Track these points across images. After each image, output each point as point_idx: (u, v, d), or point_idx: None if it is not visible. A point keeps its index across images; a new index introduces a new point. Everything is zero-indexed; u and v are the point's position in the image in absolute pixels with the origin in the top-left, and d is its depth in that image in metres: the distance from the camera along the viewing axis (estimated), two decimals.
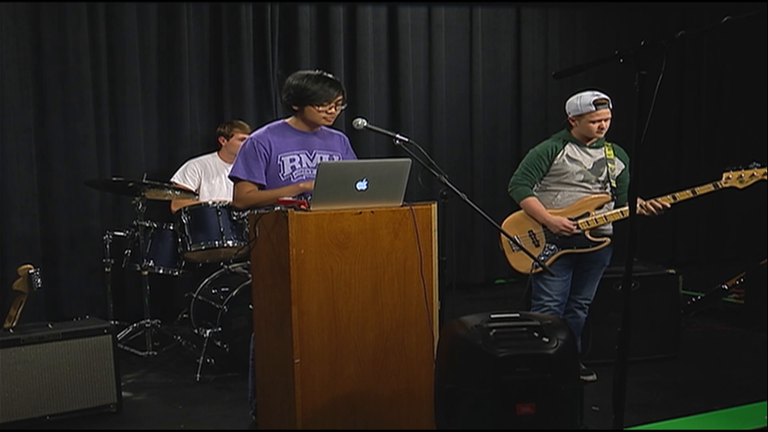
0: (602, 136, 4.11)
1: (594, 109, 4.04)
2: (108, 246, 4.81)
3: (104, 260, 4.84)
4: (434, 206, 3.26)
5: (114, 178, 5.05)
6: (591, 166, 4.11)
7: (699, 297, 5.71)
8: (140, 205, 4.70)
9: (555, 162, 4.11)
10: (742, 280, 5.56)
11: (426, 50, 6.54)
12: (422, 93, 6.55)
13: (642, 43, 2.33)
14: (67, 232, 5.35)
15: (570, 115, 4.14)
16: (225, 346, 4.41)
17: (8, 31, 5.07)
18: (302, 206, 3.09)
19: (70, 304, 5.31)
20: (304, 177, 3.49)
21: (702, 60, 7.61)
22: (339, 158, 3.60)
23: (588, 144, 4.14)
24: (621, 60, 2.39)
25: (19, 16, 5.10)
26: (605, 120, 4.06)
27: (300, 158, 3.52)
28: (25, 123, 5.15)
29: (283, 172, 3.50)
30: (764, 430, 3.54)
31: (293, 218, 2.96)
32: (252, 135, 3.60)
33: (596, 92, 4.09)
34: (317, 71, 3.60)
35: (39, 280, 3.84)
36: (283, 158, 3.50)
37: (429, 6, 6.49)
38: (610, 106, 4.09)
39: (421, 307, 3.20)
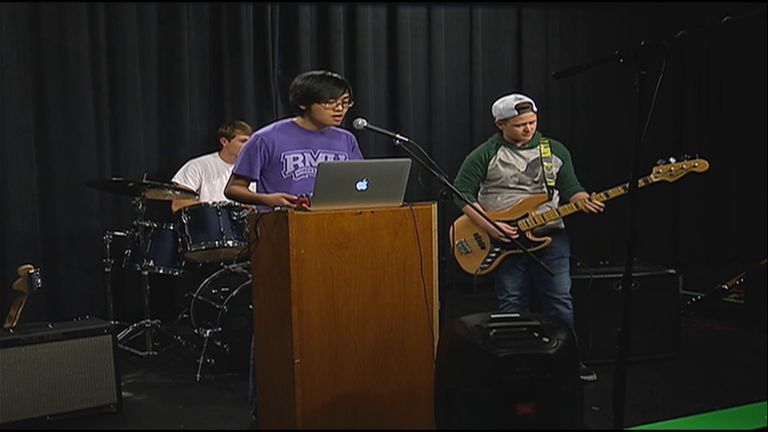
0: (529, 138, 4.19)
1: (517, 113, 4.13)
2: (108, 246, 4.82)
3: (104, 260, 4.84)
4: (434, 206, 3.26)
5: (114, 178, 5.05)
6: (525, 168, 4.19)
7: (699, 297, 5.70)
8: (140, 205, 4.70)
9: (489, 167, 4.23)
10: (742, 280, 5.56)
11: (426, 50, 6.54)
12: (422, 93, 6.55)
13: (642, 43, 2.33)
14: (67, 232, 5.35)
15: (495, 119, 4.24)
16: (225, 346, 4.41)
17: (8, 31, 5.07)
18: (304, 204, 3.10)
19: (70, 304, 5.30)
20: (306, 176, 3.49)
21: (702, 60, 7.61)
22: (345, 158, 3.60)
23: (520, 145, 4.20)
24: (621, 60, 2.39)
25: (19, 16, 5.10)
26: (530, 123, 4.15)
27: (303, 157, 3.53)
28: (25, 123, 5.15)
29: (285, 170, 3.51)
30: (764, 430, 3.53)
31: (293, 218, 2.97)
32: (258, 131, 3.62)
33: (519, 96, 4.19)
34: (322, 71, 3.62)
35: (39, 280, 3.84)
36: (286, 156, 3.51)
37: (429, 6, 6.49)
38: (534, 109, 4.17)
39: (421, 307, 3.20)
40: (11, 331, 3.67)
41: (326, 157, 3.56)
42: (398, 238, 3.16)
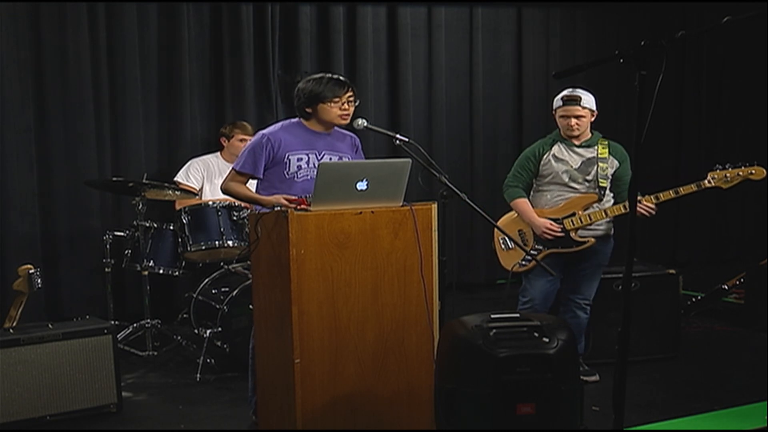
0: (577, 134, 4.14)
1: (561, 104, 4.12)
2: (108, 246, 4.82)
3: (104, 260, 4.84)
4: (434, 206, 3.26)
5: (114, 178, 5.06)
6: (578, 165, 4.13)
7: (699, 297, 5.71)
8: (140, 205, 4.70)
9: (542, 162, 4.17)
10: (742, 280, 5.56)
11: (426, 50, 6.54)
12: (422, 93, 6.55)
13: (642, 43, 2.33)
14: (67, 232, 5.35)
15: (553, 112, 4.22)
16: (225, 346, 4.41)
17: (8, 31, 5.07)
18: (302, 205, 3.10)
19: (70, 304, 5.31)
20: (308, 177, 3.50)
21: (702, 60, 7.61)
22: (348, 160, 3.60)
23: (578, 143, 4.16)
24: (621, 60, 2.39)
25: (19, 16, 5.10)
26: (575, 117, 4.10)
27: (308, 158, 3.54)
28: (25, 123, 5.15)
29: (289, 170, 3.51)
30: (764, 430, 3.53)
31: (293, 218, 2.97)
32: (264, 131, 3.63)
33: (577, 89, 4.14)
34: (321, 73, 3.65)
35: (39, 280, 3.84)
36: (290, 156, 3.52)
37: (429, 6, 6.49)
38: (584, 105, 4.11)
39: (421, 307, 3.20)
40: (11, 331, 3.67)
41: (330, 159, 3.56)
42: (398, 238, 3.16)
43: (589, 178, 4.12)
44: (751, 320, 5.23)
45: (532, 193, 4.27)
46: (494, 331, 2.83)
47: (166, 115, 5.64)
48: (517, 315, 3.03)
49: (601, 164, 4.11)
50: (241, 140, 5.22)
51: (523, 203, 4.19)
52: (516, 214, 4.24)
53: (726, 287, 5.63)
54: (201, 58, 5.73)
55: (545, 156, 4.16)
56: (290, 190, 3.43)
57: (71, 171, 5.30)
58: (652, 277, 4.56)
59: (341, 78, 3.57)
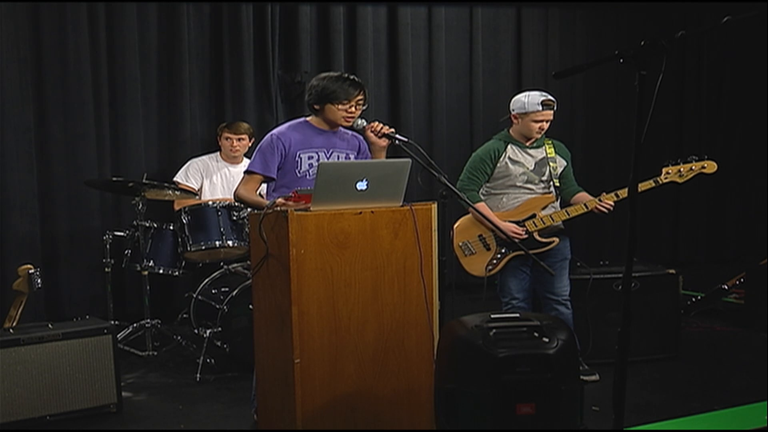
0: (539, 136, 4.17)
1: (540, 109, 4.11)
2: (108, 246, 4.82)
3: (104, 260, 4.84)
4: (434, 206, 3.26)
5: (114, 178, 5.06)
6: (533, 166, 4.17)
7: (699, 297, 5.71)
8: (140, 205, 4.70)
9: (498, 165, 4.17)
10: (742, 280, 5.56)
11: (426, 50, 6.54)
12: (422, 93, 6.55)
13: (642, 43, 2.33)
14: (67, 232, 5.35)
15: (514, 112, 4.19)
16: (225, 346, 4.41)
17: (8, 31, 5.07)
18: (294, 198, 3.12)
19: (70, 304, 5.31)
20: None
21: (702, 60, 7.61)
22: (354, 158, 3.61)
23: (528, 144, 4.19)
24: (621, 60, 2.38)
25: (19, 16, 5.11)
26: (547, 122, 4.14)
27: (318, 156, 3.54)
28: (25, 123, 5.15)
29: (300, 168, 3.52)
30: (764, 430, 3.54)
31: (293, 218, 2.96)
32: (273, 131, 3.64)
33: (544, 93, 4.16)
34: (339, 72, 3.65)
35: (39, 280, 3.85)
36: (301, 155, 3.53)
37: (429, 6, 6.49)
38: (555, 108, 4.15)
39: (421, 307, 3.20)
40: (11, 331, 3.68)
41: (338, 157, 3.58)
42: (398, 238, 3.16)
43: (544, 178, 4.17)
44: (751, 320, 5.23)
45: (483, 195, 4.23)
46: (494, 331, 2.83)
47: (166, 115, 5.65)
48: (517, 315, 3.03)
49: (551, 164, 4.17)
50: (227, 138, 5.23)
51: (483, 207, 4.14)
52: (471, 218, 4.20)
53: (726, 287, 5.63)
54: (201, 58, 5.74)
55: (501, 158, 4.17)
56: (301, 188, 3.43)
57: (71, 171, 5.31)
58: (652, 277, 4.56)
59: (356, 79, 3.56)
